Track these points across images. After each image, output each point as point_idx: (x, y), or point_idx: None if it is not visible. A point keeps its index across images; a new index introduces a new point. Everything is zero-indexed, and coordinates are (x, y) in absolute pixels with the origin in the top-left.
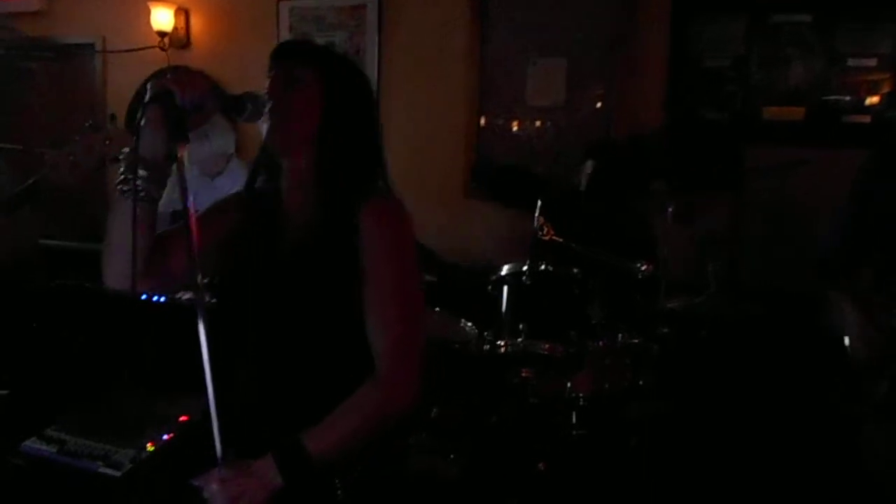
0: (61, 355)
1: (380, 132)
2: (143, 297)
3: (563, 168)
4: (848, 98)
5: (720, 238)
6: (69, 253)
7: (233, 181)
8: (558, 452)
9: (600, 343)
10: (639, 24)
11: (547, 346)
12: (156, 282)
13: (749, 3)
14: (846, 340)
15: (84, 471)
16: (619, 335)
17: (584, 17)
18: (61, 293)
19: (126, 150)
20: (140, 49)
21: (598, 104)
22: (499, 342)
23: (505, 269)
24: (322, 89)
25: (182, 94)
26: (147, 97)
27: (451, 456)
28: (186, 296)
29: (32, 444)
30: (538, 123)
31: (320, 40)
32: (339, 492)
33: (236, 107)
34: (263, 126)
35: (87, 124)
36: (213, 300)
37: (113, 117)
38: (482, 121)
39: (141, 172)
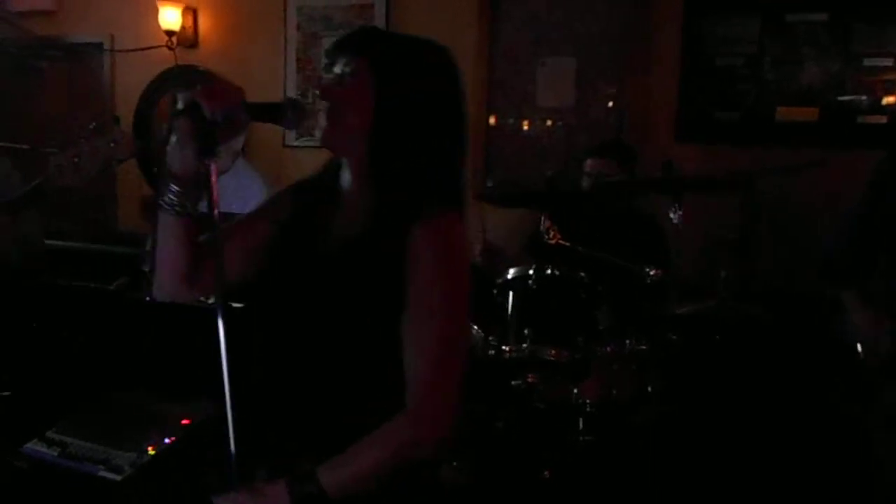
0: (63, 357)
1: (457, 132)
2: (147, 298)
3: (572, 169)
4: (864, 98)
5: (732, 242)
6: (74, 253)
7: (238, 181)
8: (565, 459)
9: (608, 349)
10: (651, 23)
11: (553, 351)
12: (208, 287)
13: (763, 1)
14: (858, 347)
15: (85, 474)
16: (627, 341)
17: (595, 16)
18: (63, 294)
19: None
20: (148, 48)
21: (610, 104)
22: (504, 347)
23: (511, 273)
24: (373, 82)
25: (210, 107)
26: (174, 110)
27: (455, 463)
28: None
29: (34, 446)
30: (548, 123)
31: (328, 40)
32: None
33: (275, 114)
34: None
35: (91, 126)
36: (237, 304)
37: (117, 120)
38: (492, 120)
39: (173, 188)
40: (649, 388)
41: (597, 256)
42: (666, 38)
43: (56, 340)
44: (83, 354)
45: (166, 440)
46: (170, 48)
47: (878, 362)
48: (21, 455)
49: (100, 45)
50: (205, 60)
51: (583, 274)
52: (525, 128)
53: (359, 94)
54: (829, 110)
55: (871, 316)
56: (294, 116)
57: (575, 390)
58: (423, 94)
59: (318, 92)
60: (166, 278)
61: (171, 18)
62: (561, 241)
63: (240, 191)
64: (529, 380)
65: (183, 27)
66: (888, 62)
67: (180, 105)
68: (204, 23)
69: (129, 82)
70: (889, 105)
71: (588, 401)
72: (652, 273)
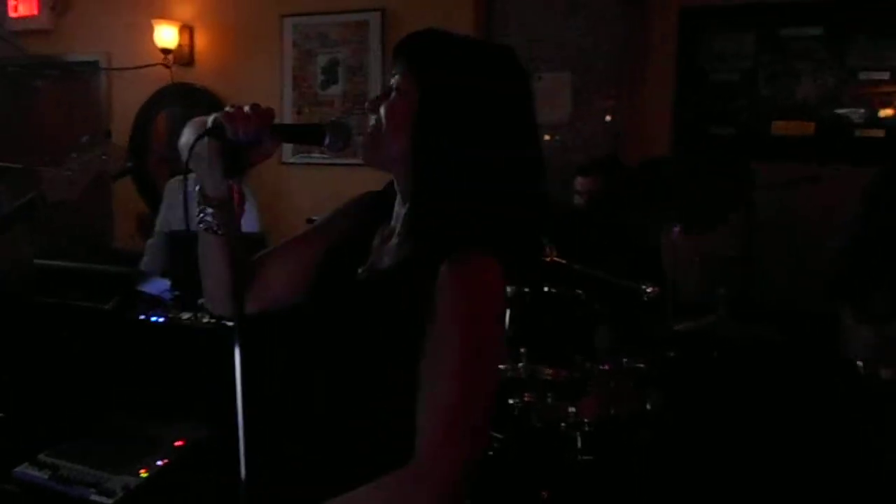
0: (56, 378)
1: (515, 153)
2: (141, 317)
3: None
4: (860, 112)
5: (730, 258)
6: (68, 272)
7: None
8: (563, 479)
9: (605, 367)
10: (646, 38)
11: (550, 370)
12: (259, 303)
13: (758, 16)
14: (860, 364)
15: (76, 498)
16: (625, 359)
17: (591, 32)
18: (56, 313)
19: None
20: (144, 66)
21: (606, 119)
22: (500, 366)
23: (507, 291)
24: (419, 99)
25: (234, 129)
26: (199, 132)
27: None
28: (185, 315)
29: (25, 469)
30: (545, 138)
31: (323, 57)
32: None
33: (314, 137)
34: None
35: (83, 140)
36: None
37: (109, 133)
38: None
39: (207, 209)
40: (648, 406)
41: (593, 274)
42: (661, 53)
43: (49, 361)
44: (76, 375)
45: (159, 462)
46: (166, 66)
47: (880, 380)
48: (12, 478)
49: (96, 64)
50: (201, 78)
51: (579, 292)
52: None
53: (401, 108)
54: (826, 125)
55: (871, 334)
56: (337, 139)
57: (573, 409)
58: (472, 108)
59: (367, 107)
60: (216, 295)
61: (167, 37)
62: (557, 259)
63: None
64: (526, 399)
65: (179, 45)
66: (884, 76)
67: (209, 124)
68: (200, 41)
69: (126, 100)
70: (886, 119)
71: (586, 420)
72: (649, 290)
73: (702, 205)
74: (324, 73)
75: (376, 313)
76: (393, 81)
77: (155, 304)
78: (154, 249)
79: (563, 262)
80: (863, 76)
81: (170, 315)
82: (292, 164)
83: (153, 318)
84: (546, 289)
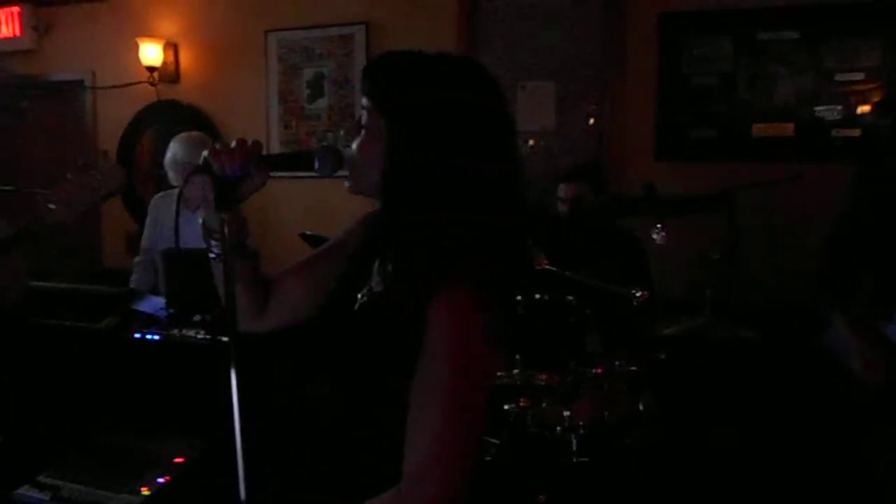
0: (51, 398)
1: (497, 168)
2: (137, 335)
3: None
4: (837, 112)
5: (715, 259)
6: (60, 293)
7: None
8: (559, 482)
9: (597, 370)
10: (627, 45)
11: (544, 376)
12: (277, 319)
13: (736, 21)
14: (852, 368)
15: None
16: (617, 362)
17: (573, 40)
18: (51, 334)
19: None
20: (130, 84)
21: (589, 124)
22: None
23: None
24: (385, 133)
25: (220, 166)
26: (193, 168)
27: None
28: (180, 332)
29: (26, 492)
30: (530, 146)
31: (309, 71)
32: None
33: (304, 163)
34: None
35: (79, 163)
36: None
37: (105, 154)
38: None
39: (212, 242)
40: (640, 408)
41: (583, 281)
42: (642, 58)
43: (46, 381)
44: (73, 395)
45: (160, 479)
46: (152, 84)
47: (872, 384)
48: (13, 500)
49: (81, 83)
50: (187, 95)
51: (570, 298)
52: None
53: (370, 145)
54: (804, 125)
55: (863, 339)
56: (326, 163)
57: (567, 413)
58: (441, 131)
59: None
60: (238, 317)
61: (151, 54)
62: (548, 267)
63: None
64: (522, 404)
65: (164, 62)
66: (859, 76)
67: (200, 163)
68: (185, 58)
69: (113, 118)
70: (862, 118)
71: (581, 423)
72: (638, 295)
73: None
74: (309, 87)
75: (373, 335)
76: (361, 114)
77: (150, 322)
78: (141, 267)
79: (554, 269)
80: (838, 77)
81: (165, 332)
82: (280, 177)
83: (148, 337)
84: (538, 296)
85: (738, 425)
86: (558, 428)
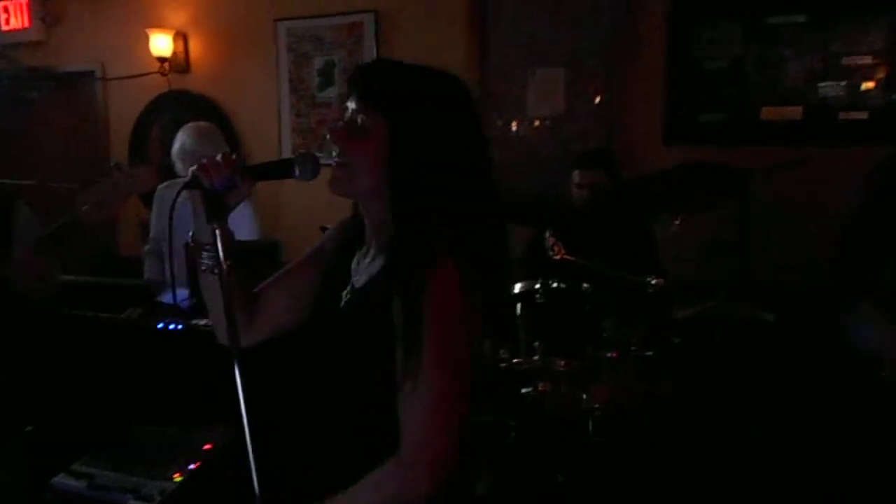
0: (79, 389)
1: (477, 167)
2: (160, 325)
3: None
4: (844, 95)
5: (727, 243)
6: (80, 285)
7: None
8: (577, 463)
9: (614, 355)
10: (637, 29)
11: (563, 362)
12: (265, 331)
13: (745, 5)
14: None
15: None
16: (633, 347)
17: (582, 26)
18: (78, 325)
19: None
20: (140, 75)
21: (599, 111)
22: (515, 360)
23: (518, 287)
24: (388, 138)
25: (208, 179)
26: (183, 184)
27: (480, 474)
28: (203, 322)
29: (62, 479)
30: (540, 133)
31: (319, 60)
32: None
33: (285, 171)
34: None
35: (112, 164)
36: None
37: (118, 165)
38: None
39: (205, 253)
40: (656, 392)
41: (601, 270)
42: (652, 44)
43: (72, 372)
44: (100, 386)
45: (191, 466)
46: (162, 74)
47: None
48: (50, 488)
49: (91, 74)
50: (198, 85)
51: (587, 286)
52: (516, 139)
53: (372, 150)
54: (812, 109)
55: (890, 322)
56: (306, 169)
57: (585, 396)
58: (438, 137)
59: (329, 136)
60: (224, 331)
61: (161, 45)
62: (566, 257)
63: (230, 217)
64: (540, 388)
65: (174, 52)
66: (867, 59)
67: (188, 178)
68: (195, 48)
69: (123, 109)
70: (869, 100)
71: (597, 405)
72: (654, 283)
73: (696, 199)
74: (320, 76)
75: (359, 328)
76: (352, 113)
77: (173, 312)
78: (150, 257)
79: (572, 259)
80: (846, 60)
81: (188, 322)
82: None
83: (171, 326)
84: (556, 284)
85: (752, 408)
86: (576, 410)
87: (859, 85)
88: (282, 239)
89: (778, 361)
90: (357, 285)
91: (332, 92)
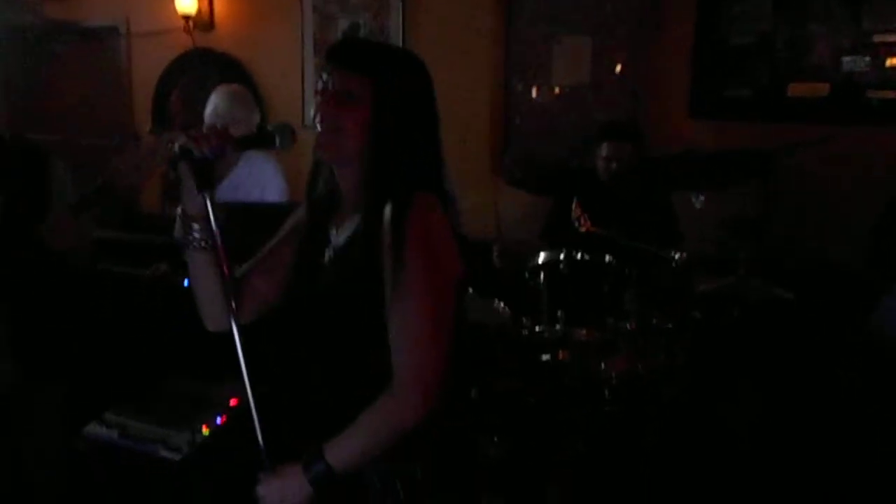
0: (109, 343)
1: (434, 134)
2: (187, 282)
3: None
4: (873, 72)
5: (750, 220)
6: (117, 243)
7: (250, 168)
8: (593, 431)
9: (633, 326)
10: (666, 2)
11: (585, 332)
12: (253, 313)
13: None
14: None
15: (145, 454)
16: (654, 319)
17: None
18: (109, 282)
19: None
20: (164, 32)
21: (625, 83)
22: (537, 328)
23: (541, 257)
24: (373, 105)
25: (199, 148)
26: (173, 157)
27: (495, 438)
28: None
29: (94, 428)
30: (561, 101)
31: (344, 21)
32: (400, 493)
33: (266, 141)
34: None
35: (148, 129)
36: None
37: (136, 136)
38: (509, 100)
39: (194, 226)
40: (674, 364)
41: (627, 243)
42: (680, 16)
43: (103, 328)
44: (129, 341)
45: (218, 419)
46: (186, 32)
47: None
48: (82, 437)
49: (115, 29)
50: (222, 43)
51: (610, 258)
52: (541, 107)
53: (359, 118)
54: (839, 86)
55: None
56: (285, 139)
57: (603, 365)
58: (415, 111)
59: (319, 105)
60: (211, 313)
61: (186, 2)
62: (591, 229)
63: (255, 177)
64: (560, 357)
65: (199, 10)
66: None
67: (176, 151)
68: (220, 5)
69: (147, 66)
70: None
71: (614, 374)
72: (677, 256)
73: (721, 178)
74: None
75: (348, 280)
76: (336, 82)
77: None
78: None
79: (598, 231)
80: (876, 38)
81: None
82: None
83: None
84: (579, 256)
85: (767, 380)
86: (594, 379)
87: (890, 68)
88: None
89: (795, 338)
90: (338, 244)
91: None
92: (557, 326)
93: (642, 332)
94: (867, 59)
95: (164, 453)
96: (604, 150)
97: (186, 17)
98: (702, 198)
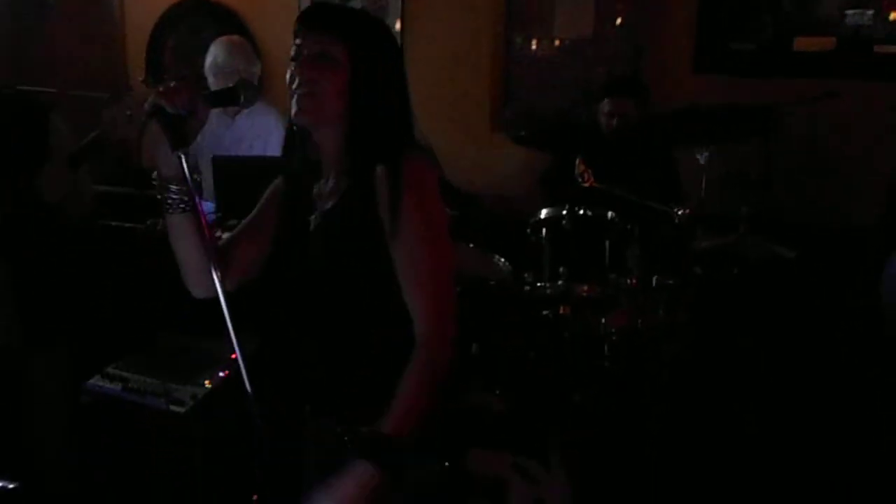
0: (110, 297)
1: (406, 92)
2: None
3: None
4: (880, 27)
5: (752, 177)
6: (115, 197)
7: (253, 120)
8: (592, 385)
9: (634, 282)
10: None
11: (586, 287)
12: (237, 281)
13: None
14: None
15: (150, 407)
16: (655, 276)
17: None
18: (108, 236)
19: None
20: None
21: (627, 36)
22: (539, 283)
23: (544, 213)
24: (351, 67)
25: (171, 104)
26: (146, 119)
27: (497, 392)
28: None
29: (97, 382)
30: (561, 54)
31: None
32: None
33: (231, 98)
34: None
35: (140, 79)
36: None
37: (130, 91)
38: (508, 52)
39: (171, 188)
40: (675, 320)
41: (631, 199)
42: None
43: (101, 282)
44: (129, 295)
45: (220, 373)
46: None
47: None
48: (85, 390)
49: None
50: None
51: (612, 214)
52: (542, 58)
53: (338, 80)
54: (846, 40)
55: None
56: (250, 96)
57: (603, 320)
58: (389, 72)
59: (298, 68)
60: (195, 279)
61: None
62: (594, 184)
63: (256, 129)
64: (561, 311)
65: None
66: None
67: (147, 108)
68: None
69: (140, 15)
70: None
71: (614, 329)
72: (680, 213)
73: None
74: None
75: (340, 243)
76: (311, 47)
77: None
78: None
79: (601, 186)
80: None
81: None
82: None
83: None
84: (582, 211)
85: (766, 339)
86: (594, 335)
87: (891, 16)
88: None
89: (794, 296)
90: (325, 209)
91: (356, 5)
92: (559, 282)
93: (643, 288)
94: (870, 12)
95: (168, 406)
96: (606, 105)
97: None
98: (705, 153)
